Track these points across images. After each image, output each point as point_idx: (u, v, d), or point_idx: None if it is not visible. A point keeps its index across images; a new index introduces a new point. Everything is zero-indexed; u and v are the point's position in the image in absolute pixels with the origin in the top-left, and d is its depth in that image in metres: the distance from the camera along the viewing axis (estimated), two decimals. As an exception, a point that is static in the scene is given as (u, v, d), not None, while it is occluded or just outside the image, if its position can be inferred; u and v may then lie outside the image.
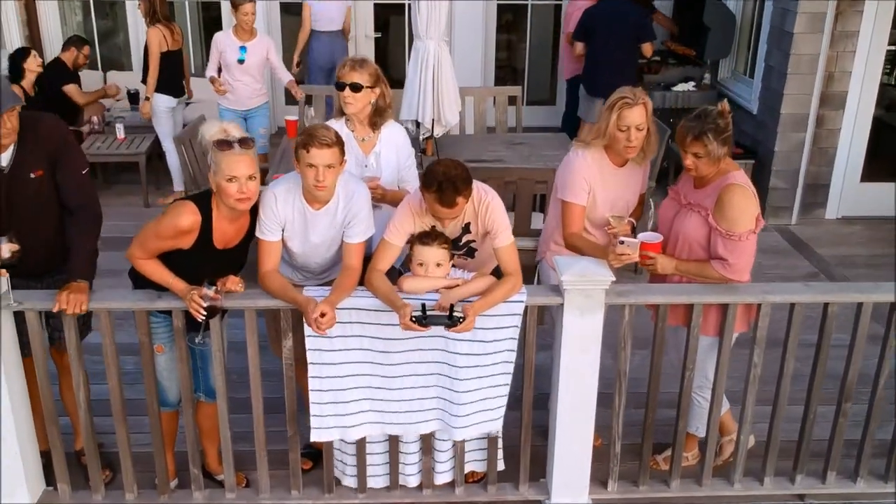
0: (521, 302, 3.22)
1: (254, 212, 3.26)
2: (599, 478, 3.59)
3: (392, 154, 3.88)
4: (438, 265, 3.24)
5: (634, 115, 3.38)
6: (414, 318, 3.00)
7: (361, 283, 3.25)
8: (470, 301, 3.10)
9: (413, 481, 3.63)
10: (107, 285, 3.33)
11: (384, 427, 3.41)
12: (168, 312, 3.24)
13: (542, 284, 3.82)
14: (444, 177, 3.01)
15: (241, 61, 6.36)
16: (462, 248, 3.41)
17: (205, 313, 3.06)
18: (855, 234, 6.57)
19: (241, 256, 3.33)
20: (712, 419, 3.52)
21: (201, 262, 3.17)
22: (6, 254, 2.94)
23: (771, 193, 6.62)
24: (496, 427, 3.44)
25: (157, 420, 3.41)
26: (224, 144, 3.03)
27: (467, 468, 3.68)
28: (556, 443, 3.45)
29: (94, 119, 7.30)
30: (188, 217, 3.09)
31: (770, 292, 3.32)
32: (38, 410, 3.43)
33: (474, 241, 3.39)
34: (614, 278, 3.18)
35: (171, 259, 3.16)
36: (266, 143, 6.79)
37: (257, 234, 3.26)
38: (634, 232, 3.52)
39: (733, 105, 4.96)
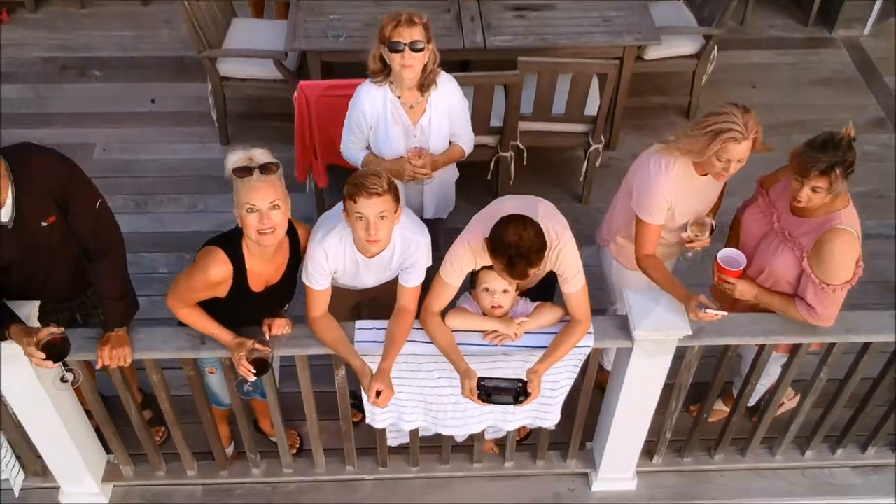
0: (588, 347, 3.02)
1: (293, 242, 2.92)
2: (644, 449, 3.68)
3: (444, 119, 3.37)
4: (505, 291, 2.98)
5: (740, 150, 2.84)
6: (479, 394, 2.85)
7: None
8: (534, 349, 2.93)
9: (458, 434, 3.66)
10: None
11: (437, 428, 3.41)
12: None
13: (604, 274, 3.58)
14: (515, 250, 2.61)
15: None
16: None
17: (255, 372, 2.89)
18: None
19: (286, 292, 3.05)
20: (767, 404, 3.51)
21: (242, 307, 2.91)
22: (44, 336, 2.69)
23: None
24: (551, 424, 3.43)
25: (209, 416, 3.40)
26: (243, 171, 2.61)
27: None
28: (609, 439, 3.48)
29: None
30: (218, 268, 2.77)
31: (853, 330, 3.08)
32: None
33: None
34: (690, 332, 2.94)
35: (212, 305, 2.90)
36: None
37: (304, 280, 2.95)
38: (712, 230, 3.18)
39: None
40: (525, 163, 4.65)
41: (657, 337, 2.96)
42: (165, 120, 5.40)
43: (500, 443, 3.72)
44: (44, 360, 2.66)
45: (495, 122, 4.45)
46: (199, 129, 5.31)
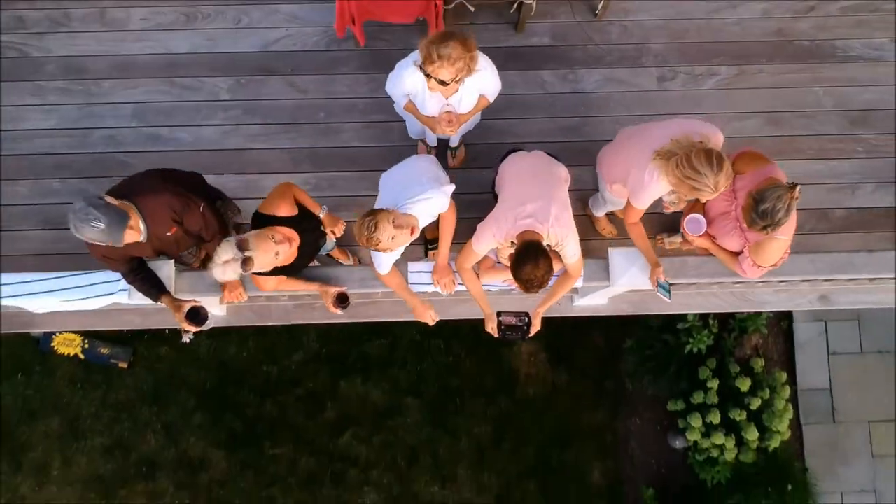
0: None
1: None
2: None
3: (474, 96, 3.97)
4: None
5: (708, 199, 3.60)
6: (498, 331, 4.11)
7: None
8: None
9: None
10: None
11: None
12: None
13: (598, 180, 4.42)
14: (529, 284, 3.65)
15: None
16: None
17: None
18: None
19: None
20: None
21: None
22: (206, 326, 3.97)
23: None
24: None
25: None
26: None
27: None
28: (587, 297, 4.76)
29: None
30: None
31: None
32: None
33: None
34: (651, 287, 4.06)
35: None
36: None
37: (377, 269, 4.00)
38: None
39: None
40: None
41: (627, 288, 4.08)
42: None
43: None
44: (188, 325, 3.94)
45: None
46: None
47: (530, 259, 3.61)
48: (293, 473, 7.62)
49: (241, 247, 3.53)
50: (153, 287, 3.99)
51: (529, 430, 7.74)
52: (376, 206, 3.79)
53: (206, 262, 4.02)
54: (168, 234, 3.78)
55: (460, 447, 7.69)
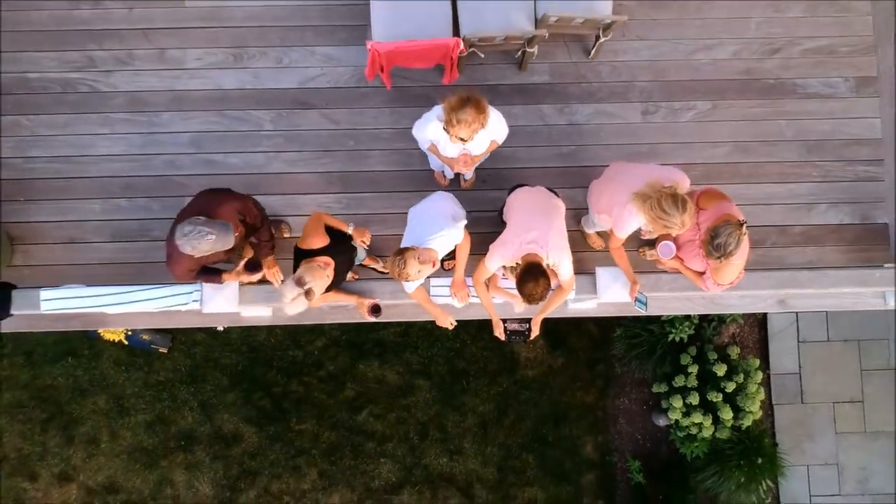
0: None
1: None
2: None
3: (487, 141, 4.80)
4: None
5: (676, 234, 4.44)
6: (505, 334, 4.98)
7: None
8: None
9: None
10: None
11: None
12: None
13: (588, 207, 5.24)
14: (530, 298, 4.50)
15: None
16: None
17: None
18: None
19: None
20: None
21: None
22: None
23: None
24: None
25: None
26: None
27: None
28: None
29: None
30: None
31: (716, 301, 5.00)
32: None
33: None
34: (630, 301, 4.92)
35: None
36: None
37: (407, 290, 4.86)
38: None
39: None
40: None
41: (611, 300, 4.94)
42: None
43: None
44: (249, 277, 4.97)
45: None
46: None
47: (532, 277, 4.45)
48: (316, 446, 8.39)
49: (300, 283, 4.35)
50: (215, 274, 4.90)
51: (528, 408, 8.50)
52: (404, 241, 4.64)
53: (250, 263, 4.99)
54: (236, 233, 4.61)
55: (466, 423, 8.44)
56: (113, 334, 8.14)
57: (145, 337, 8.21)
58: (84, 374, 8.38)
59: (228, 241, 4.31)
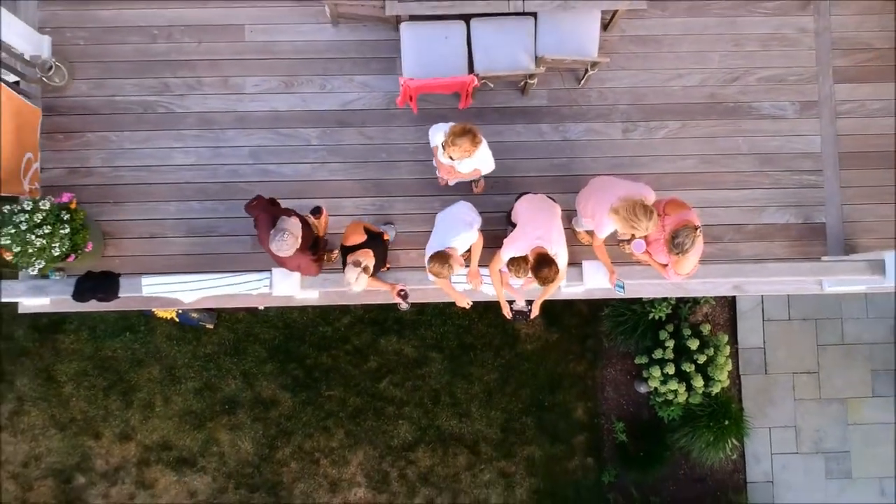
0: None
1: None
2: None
3: (472, 167, 6.01)
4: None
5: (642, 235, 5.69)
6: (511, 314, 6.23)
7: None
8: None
9: None
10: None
11: None
12: None
13: (577, 211, 6.46)
14: (544, 280, 5.67)
15: None
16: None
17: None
18: None
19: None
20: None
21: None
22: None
23: None
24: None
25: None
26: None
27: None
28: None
29: None
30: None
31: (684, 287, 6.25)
32: None
33: None
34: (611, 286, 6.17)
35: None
36: None
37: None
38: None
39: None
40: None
41: (596, 287, 6.18)
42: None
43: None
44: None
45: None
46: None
47: (546, 264, 5.66)
48: (343, 409, 9.39)
49: (357, 264, 5.58)
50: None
51: (527, 378, 9.50)
52: (431, 239, 5.90)
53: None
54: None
55: (473, 390, 9.44)
56: (165, 312, 8.93)
57: (194, 315, 9.10)
58: (140, 347, 9.41)
59: (298, 238, 5.49)
